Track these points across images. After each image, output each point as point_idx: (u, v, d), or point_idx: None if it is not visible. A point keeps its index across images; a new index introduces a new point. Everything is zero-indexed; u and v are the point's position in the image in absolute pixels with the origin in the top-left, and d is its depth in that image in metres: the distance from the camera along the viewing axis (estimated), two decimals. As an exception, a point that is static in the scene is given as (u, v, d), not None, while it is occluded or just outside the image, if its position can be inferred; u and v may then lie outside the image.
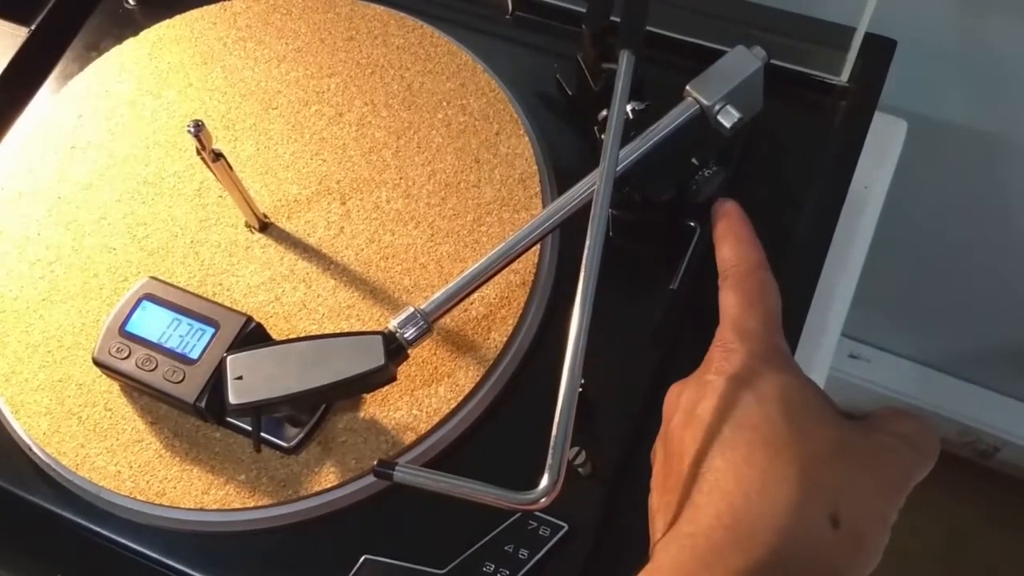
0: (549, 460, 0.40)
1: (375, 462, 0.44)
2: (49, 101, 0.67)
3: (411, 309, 0.52)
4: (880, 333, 1.30)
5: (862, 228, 0.72)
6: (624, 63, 0.50)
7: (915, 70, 0.78)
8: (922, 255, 1.10)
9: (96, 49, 0.69)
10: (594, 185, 0.49)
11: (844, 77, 0.64)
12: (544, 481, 0.41)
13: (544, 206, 0.57)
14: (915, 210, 1.00)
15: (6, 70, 0.68)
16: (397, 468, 0.43)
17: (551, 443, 0.41)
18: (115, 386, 0.56)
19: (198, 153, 0.53)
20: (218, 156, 0.53)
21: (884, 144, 0.74)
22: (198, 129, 0.51)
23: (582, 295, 0.43)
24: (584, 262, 0.46)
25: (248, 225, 0.60)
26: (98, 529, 0.55)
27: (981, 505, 1.38)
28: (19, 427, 0.56)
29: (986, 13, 0.75)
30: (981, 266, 1.08)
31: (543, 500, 0.40)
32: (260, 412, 0.51)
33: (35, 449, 0.55)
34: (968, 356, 1.28)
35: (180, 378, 0.52)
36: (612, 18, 0.59)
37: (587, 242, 0.46)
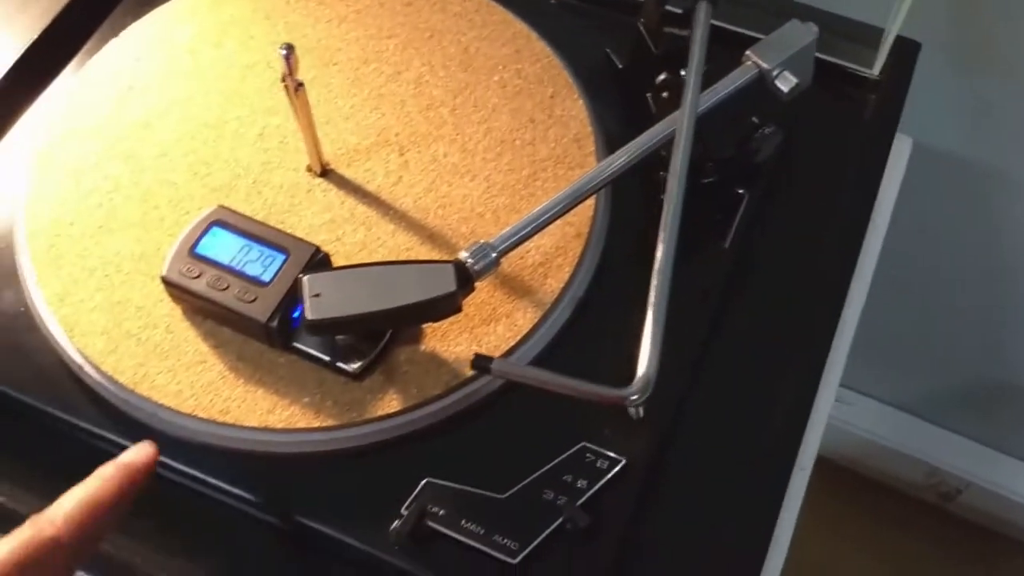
0: (645, 352, 0.42)
1: (473, 355, 0.45)
2: (104, 45, 0.67)
3: (481, 241, 0.54)
4: (854, 375, 1.34)
5: (869, 249, 0.73)
6: (702, 13, 0.53)
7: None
8: (910, 292, 1.13)
9: (150, 3, 0.70)
10: (672, 126, 0.51)
11: (876, 70, 0.68)
12: (639, 373, 0.42)
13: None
14: (909, 243, 1.03)
15: (56, 19, 0.69)
16: (495, 360, 0.44)
17: (644, 337, 0.42)
18: (177, 310, 0.56)
19: (282, 80, 0.54)
20: (300, 85, 0.55)
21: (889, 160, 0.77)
22: (289, 52, 0.52)
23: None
24: (668, 194, 0.48)
25: (309, 169, 0.61)
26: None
27: (941, 548, 1.41)
28: (72, 346, 0.56)
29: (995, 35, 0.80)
30: (965, 307, 1.12)
31: (638, 394, 0.42)
32: (335, 329, 0.52)
33: (88, 368, 0.55)
34: (936, 399, 1.32)
35: (252, 298, 0.53)
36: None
37: (671, 174, 0.48)
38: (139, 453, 0.47)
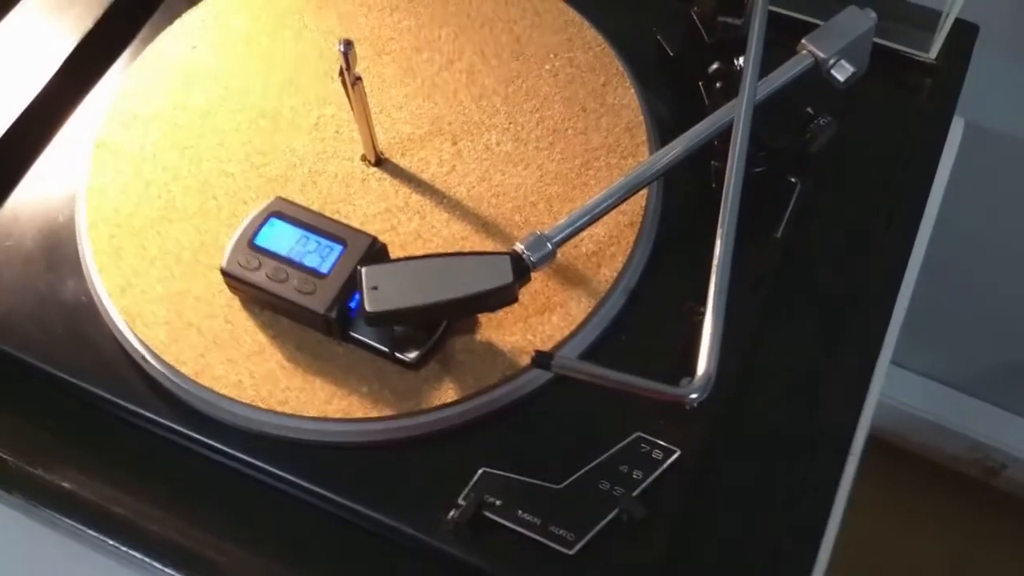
0: (705, 351, 0.42)
1: (533, 352, 0.45)
2: (158, 32, 0.68)
3: (537, 232, 0.54)
4: (895, 348, 1.32)
5: (922, 229, 0.72)
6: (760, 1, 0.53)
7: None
8: (957, 269, 1.12)
9: (203, -8, 0.70)
10: (730, 115, 0.51)
11: (932, 55, 0.67)
12: (700, 371, 0.42)
13: (651, 154, 0.59)
14: (960, 222, 1.02)
15: (111, 6, 0.69)
16: (556, 357, 0.44)
17: (704, 334, 0.42)
18: (235, 300, 0.57)
19: (340, 74, 0.55)
20: (358, 79, 0.55)
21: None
22: (347, 48, 0.53)
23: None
24: (726, 189, 0.48)
25: (364, 159, 0.62)
26: (212, 442, 0.55)
27: (985, 524, 1.40)
28: (134, 337, 0.57)
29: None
30: (1012, 284, 1.10)
31: (698, 392, 0.42)
32: (393, 321, 0.52)
33: (150, 359, 0.56)
34: (980, 374, 1.30)
35: (311, 289, 0.54)
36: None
37: (728, 168, 0.48)
38: None
